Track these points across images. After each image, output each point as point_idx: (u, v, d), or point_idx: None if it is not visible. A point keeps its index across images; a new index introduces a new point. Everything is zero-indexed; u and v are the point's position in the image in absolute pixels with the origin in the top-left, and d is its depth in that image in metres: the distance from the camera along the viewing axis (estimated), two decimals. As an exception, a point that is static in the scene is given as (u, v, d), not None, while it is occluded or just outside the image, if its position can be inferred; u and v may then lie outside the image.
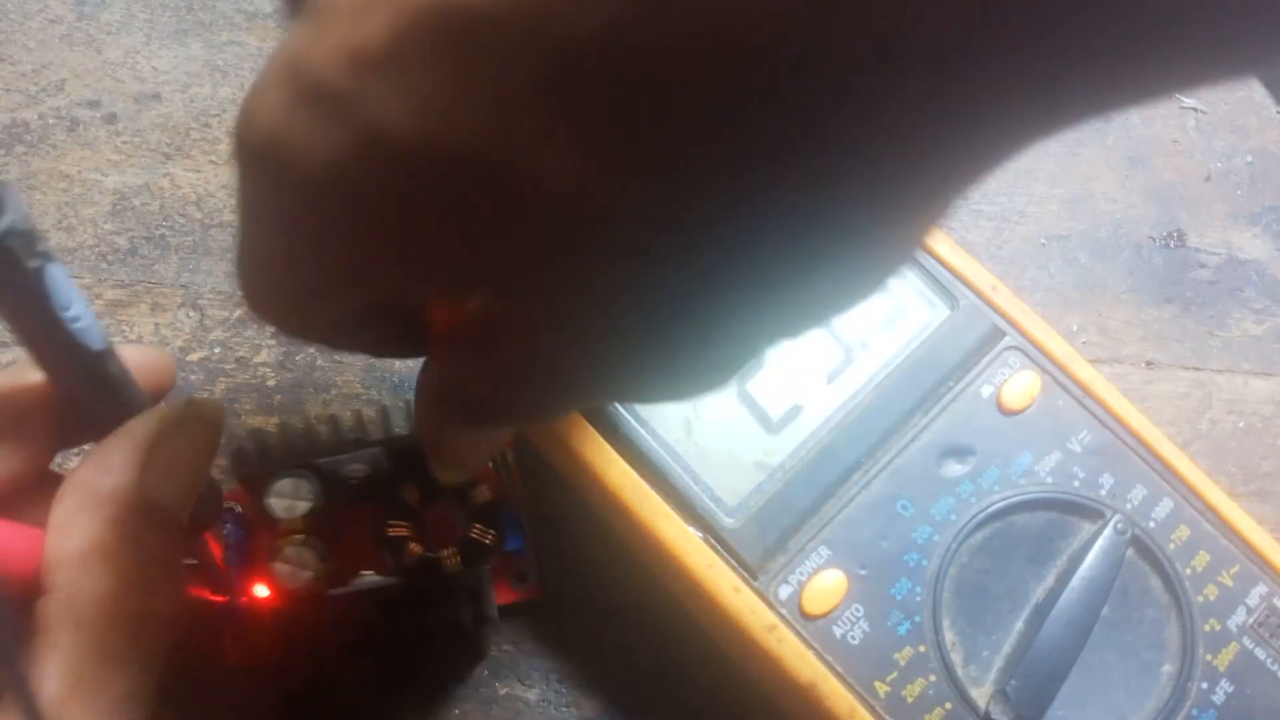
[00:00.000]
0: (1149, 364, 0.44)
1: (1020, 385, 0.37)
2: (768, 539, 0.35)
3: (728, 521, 0.35)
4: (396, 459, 0.35)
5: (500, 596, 0.38)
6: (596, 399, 0.27)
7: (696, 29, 0.15)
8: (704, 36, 0.15)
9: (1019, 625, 0.35)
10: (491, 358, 0.23)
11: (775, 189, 0.17)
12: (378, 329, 0.25)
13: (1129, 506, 0.36)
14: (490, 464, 0.38)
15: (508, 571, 0.37)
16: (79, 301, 0.22)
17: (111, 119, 0.46)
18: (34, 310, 0.22)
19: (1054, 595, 0.35)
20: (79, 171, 0.45)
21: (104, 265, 0.44)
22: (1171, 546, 0.36)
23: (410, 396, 0.39)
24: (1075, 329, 0.44)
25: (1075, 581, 0.35)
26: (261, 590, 0.34)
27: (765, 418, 0.36)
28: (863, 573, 0.35)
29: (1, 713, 0.22)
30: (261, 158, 0.19)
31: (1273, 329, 0.45)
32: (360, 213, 0.19)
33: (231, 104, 0.46)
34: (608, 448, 0.35)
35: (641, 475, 0.35)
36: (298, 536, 0.34)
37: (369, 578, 0.34)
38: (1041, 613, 0.35)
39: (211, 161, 0.45)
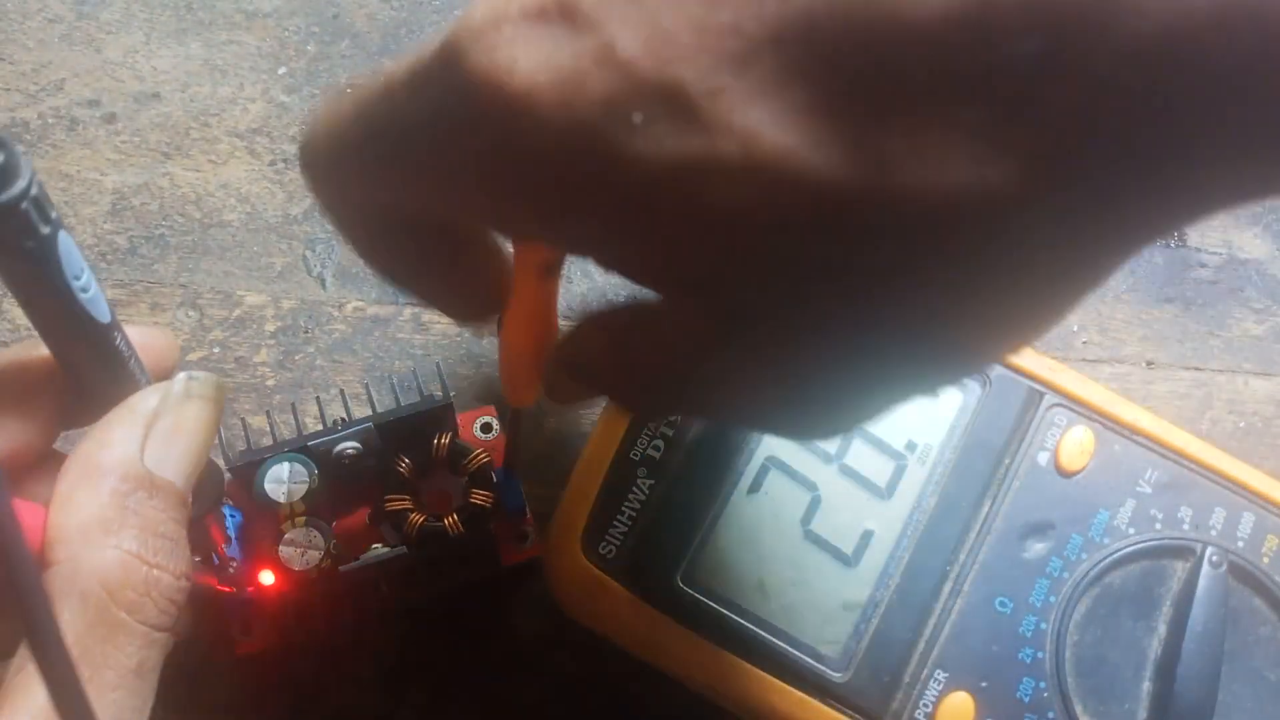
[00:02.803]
0: (1149, 364, 0.44)
1: (1075, 443, 0.36)
2: (882, 680, 0.34)
3: (837, 676, 0.34)
4: (387, 434, 0.35)
5: (504, 559, 0.38)
6: (715, 410, 0.27)
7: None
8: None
9: (1146, 686, 0.34)
10: (632, 341, 0.23)
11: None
12: (419, 244, 0.26)
13: (1214, 533, 0.36)
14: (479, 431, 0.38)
15: (509, 534, 0.37)
16: (88, 272, 0.22)
17: (111, 118, 0.46)
18: (44, 278, 0.21)
19: (1172, 647, 0.34)
20: (78, 171, 0.45)
21: (103, 265, 0.43)
22: (1266, 560, 0.35)
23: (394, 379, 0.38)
24: (1075, 329, 0.44)
25: (1190, 630, 0.34)
26: (267, 578, 0.33)
27: (839, 553, 0.35)
28: (984, 685, 0.34)
29: (2, 713, 0.22)
30: (484, 59, 0.19)
31: (1273, 329, 0.45)
32: (563, 138, 0.19)
33: (230, 103, 0.46)
34: (693, 635, 0.34)
35: (736, 654, 0.34)
36: (299, 519, 0.33)
37: (378, 550, 0.34)
38: (1165, 667, 0.34)
39: (211, 161, 0.45)
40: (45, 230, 0.20)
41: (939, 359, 0.21)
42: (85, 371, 0.25)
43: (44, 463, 0.27)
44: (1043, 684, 0.34)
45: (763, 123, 0.17)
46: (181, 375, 0.26)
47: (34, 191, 0.20)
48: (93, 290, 0.23)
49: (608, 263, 0.21)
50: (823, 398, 0.22)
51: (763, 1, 0.17)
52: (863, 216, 0.18)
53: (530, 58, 0.18)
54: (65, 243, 0.21)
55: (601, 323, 0.25)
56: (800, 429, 0.25)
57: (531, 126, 0.19)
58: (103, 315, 0.23)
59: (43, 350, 0.25)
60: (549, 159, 0.19)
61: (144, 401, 0.25)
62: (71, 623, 0.22)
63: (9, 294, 0.41)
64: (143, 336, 0.26)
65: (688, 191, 0.18)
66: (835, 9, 0.17)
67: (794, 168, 0.17)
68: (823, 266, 0.19)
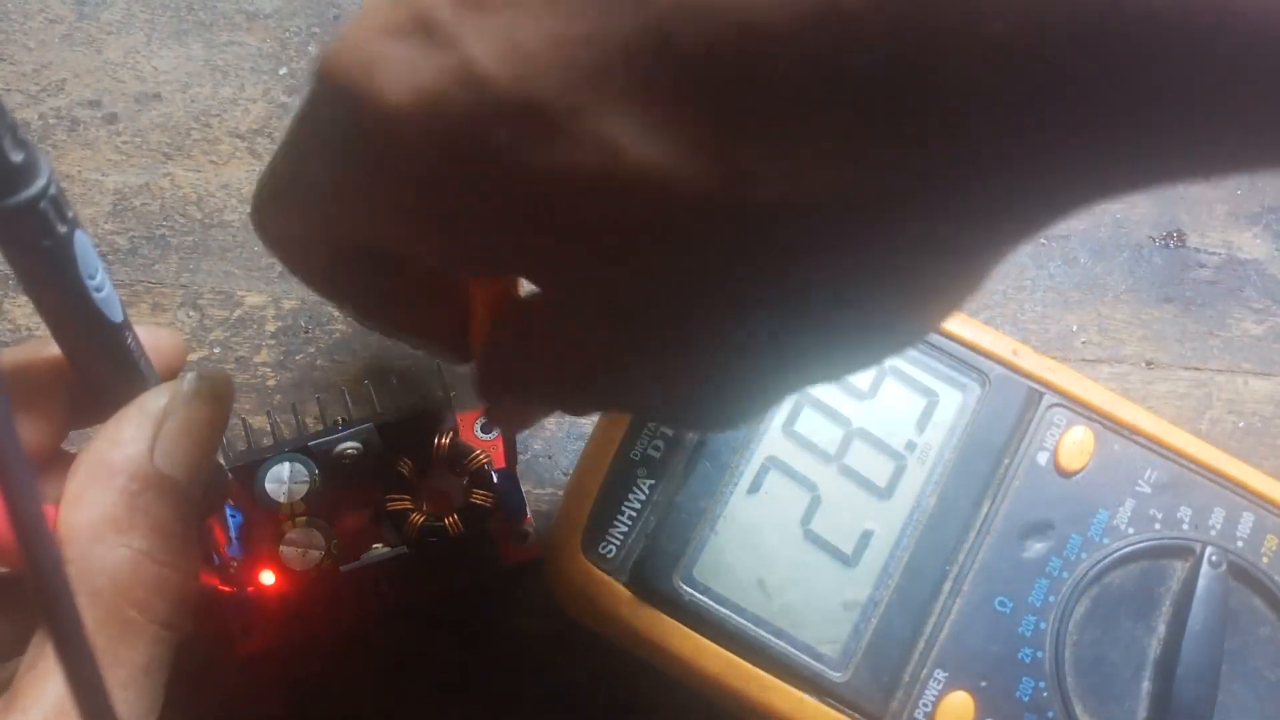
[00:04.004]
0: (1149, 364, 0.44)
1: (1074, 443, 0.36)
2: (882, 680, 0.34)
3: (837, 676, 0.34)
4: (387, 434, 0.35)
5: (504, 559, 0.38)
6: (628, 405, 0.27)
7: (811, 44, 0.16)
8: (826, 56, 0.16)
9: (1146, 685, 0.34)
10: (534, 341, 0.23)
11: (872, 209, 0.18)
12: (371, 278, 0.26)
13: (1213, 533, 0.36)
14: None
15: (508, 534, 0.37)
16: (102, 271, 0.22)
17: (111, 119, 0.46)
18: (60, 277, 0.21)
19: (1171, 647, 0.34)
20: (79, 171, 0.45)
21: (104, 265, 0.43)
22: (1265, 560, 0.35)
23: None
24: (1075, 329, 0.45)
25: (1190, 630, 0.34)
26: (268, 578, 0.33)
27: (839, 553, 0.35)
28: (984, 685, 0.34)
29: (14, 710, 0.22)
30: (351, 77, 0.19)
31: (1273, 329, 0.45)
32: (429, 152, 0.19)
33: (231, 104, 0.46)
34: (694, 635, 0.34)
35: (736, 654, 0.34)
36: (299, 519, 0.34)
37: (378, 550, 0.34)
38: (1165, 667, 0.34)
39: (212, 161, 0.45)
40: (62, 229, 0.21)
41: (815, 357, 0.22)
42: (96, 370, 0.25)
43: (54, 461, 0.27)
44: (1042, 684, 0.34)
45: (624, 135, 0.17)
46: (190, 374, 0.26)
47: (53, 191, 0.20)
48: (106, 289, 0.23)
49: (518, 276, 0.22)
50: (715, 392, 0.23)
51: (618, 13, 0.17)
52: (727, 226, 0.18)
53: (394, 77, 0.18)
54: (81, 241, 0.21)
55: (513, 330, 0.25)
56: (704, 422, 0.26)
57: (401, 145, 0.19)
58: (115, 314, 0.23)
59: (52, 349, 0.25)
60: (423, 176, 0.19)
61: (153, 400, 0.25)
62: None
63: (11, 293, 0.41)
64: (151, 336, 0.26)
65: (559, 205, 0.19)
66: (688, 19, 0.16)
67: (656, 180, 0.18)
68: (692, 271, 0.19)
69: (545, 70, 0.17)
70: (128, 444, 0.24)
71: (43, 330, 0.24)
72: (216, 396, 0.26)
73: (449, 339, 0.29)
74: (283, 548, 0.33)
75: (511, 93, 0.17)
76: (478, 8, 0.18)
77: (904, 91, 0.16)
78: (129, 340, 0.24)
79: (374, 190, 0.20)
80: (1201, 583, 0.35)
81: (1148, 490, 0.36)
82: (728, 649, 0.34)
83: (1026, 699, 0.34)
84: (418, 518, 0.34)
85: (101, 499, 0.24)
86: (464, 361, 0.29)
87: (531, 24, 0.17)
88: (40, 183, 0.19)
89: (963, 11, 0.15)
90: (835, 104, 0.17)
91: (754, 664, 0.34)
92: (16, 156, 0.19)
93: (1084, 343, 0.44)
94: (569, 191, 0.18)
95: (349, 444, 0.35)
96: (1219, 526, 0.36)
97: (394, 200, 0.20)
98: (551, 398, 0.26)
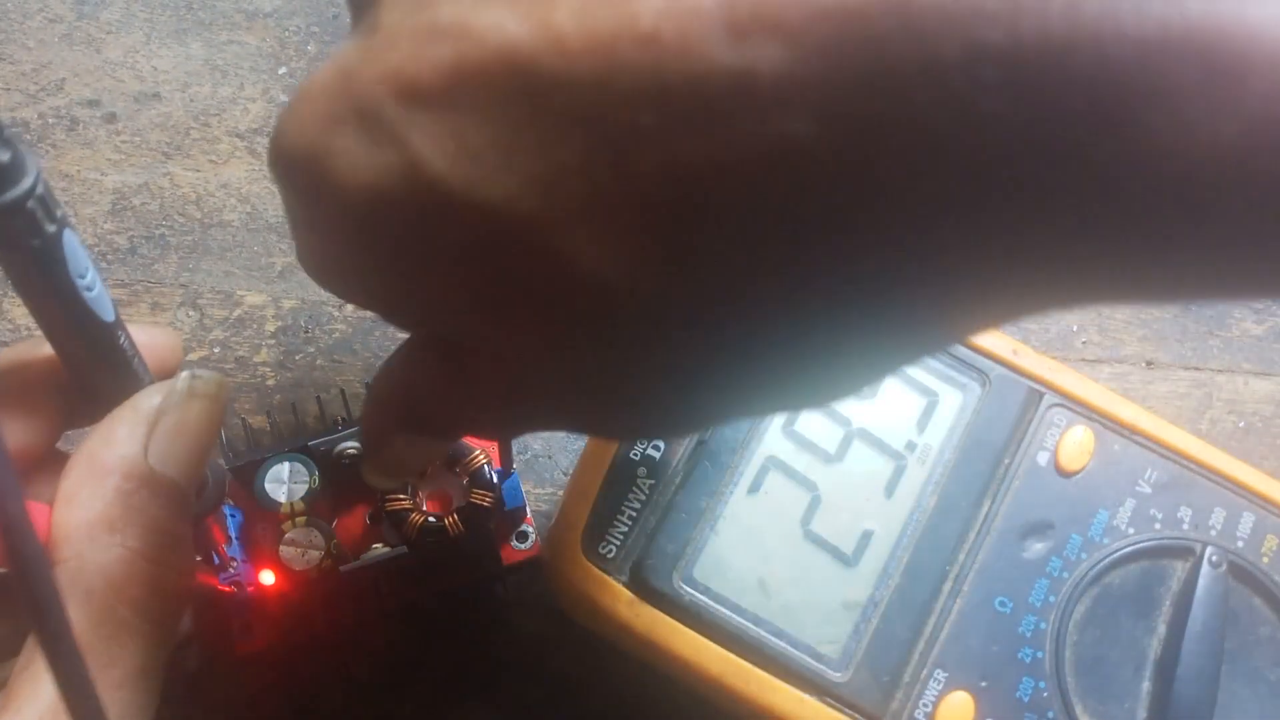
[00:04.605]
0: (1149, 364, 0.44)
1: (1074, 443, 0.36)
2: (882, 680, 0.34)
3: (837, 676, 0.34)
4: None
5: (504, 559, 0.38)
6: (562, 429, 0.27)
7: (763, 153, 0.16)
8: (771, 159, 0.16)
9: (1146, 686, 0.34)
10: (471, 380, 0.23)
11: (786, 298, 0.18)
12: None
13: (1214, 533, 0.35)
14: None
15: (509, 534, 0.37)
16: (92, 270, 0.22)
17: (111, 118, 0.46)
18: (49, 276, 0.21)
19: (1172, 647, 0.34)
20: (79, 171, 0.45)
21: (104, 265, 0.43)
22: (1265, 560, 0.35)
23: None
24: (1075, 329, 0.45)
25: (1190, 630, 0.34)
26: (268, 578, 0.33)
27: (839, 553, 0.35)
28: (984, 685, 0.34)
29: (8, 709, 0.22)
30: (296, 165, 0.19)
31: (1273, 329, 0.45)
32: (379, 239, 0.19)
33: (231, 103, 0.46)
34: (694, 635, 0.34)
35: (736, 654, 0.34)
36: (299, 519, 0.34)
37: (378, 550, 0.34)
38: (1165, 667, 0.34)
39: (211, 161, 0.45)
40: (51, 229, 0.21)
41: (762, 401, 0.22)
42: (89, 370, 0.25)
43: (47, 462, 0.27)
44: (1042, 684, 0.34)
45: (573, 246, 0.17)
46: (184, 374, 0.26)
47: (39, 190, 0.20)
48: (97, 289, 0.23)
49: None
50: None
51: (567, 126, 0.16)
52: (668, 321, 0.18)
53: (341, 170, 0.18)
54: (70, 241, 0.21)
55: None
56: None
57: (352, 229, 0.19)
58: (107, 314, 0.23)
59: (46, 349, 0.25)
60: (371, 256, 0.20)
61: (147, 400, 0.25)
62: (76, 621, 0.22)
63: (11, 293, 0.41)
64: (147, 336, 0.26)
65: (503, 294, 0.19)
66: (643, 143, 0.16)
67: (603, 286, 0.18)
68: (635, 344, 0.19)
69: (495, 176, 0.17)
70: (121, 443, 0.24)
71: (40, 331, 0.24)
72: (211, 395, 0.26)
73: None
74: (283, 548, 0.33)
75: (462, 196, 0.17)
76: (423, 105, 0.17)
77: (854, 229, 0.16)
78: (122, 340, 0.24)
79: (345, 260, 0.21)
80: (1201, 583, 0.35)
81: (1148, 490, 0.36)
82: (728, 649, 0.34)
83: (1027, 699, 0.34)
84: (417, 518, 0.34)
85: (95, 498, 0.24)
86: None
87: (479, 126, 0.17)
88: (27, 182, 0.19)
89: (910, 162, 0.15)
90: (784, 239, 0.17)
91: (754, 664, 0.34)
92: (3, 156, 0.19)
93: (1084, 343, 0.44)
94: (515, 287, 0.18)
95: (349, 444, 0.35)
96: (1219, 526, 0.36)
97: (353, 260, 0.21)
98: (467, 426, 0.26)
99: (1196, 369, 0.44)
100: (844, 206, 0.16)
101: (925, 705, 0.34)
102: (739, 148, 0.16)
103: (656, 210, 0.17)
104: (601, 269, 0.17)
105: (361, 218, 0.19)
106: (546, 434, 0.42)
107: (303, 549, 0.34)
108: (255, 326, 0.43)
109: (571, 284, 0.18)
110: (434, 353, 0.23)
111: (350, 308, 0.43)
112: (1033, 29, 0.14)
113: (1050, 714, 0.34)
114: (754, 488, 0.35)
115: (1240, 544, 0.35)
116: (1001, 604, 0.34)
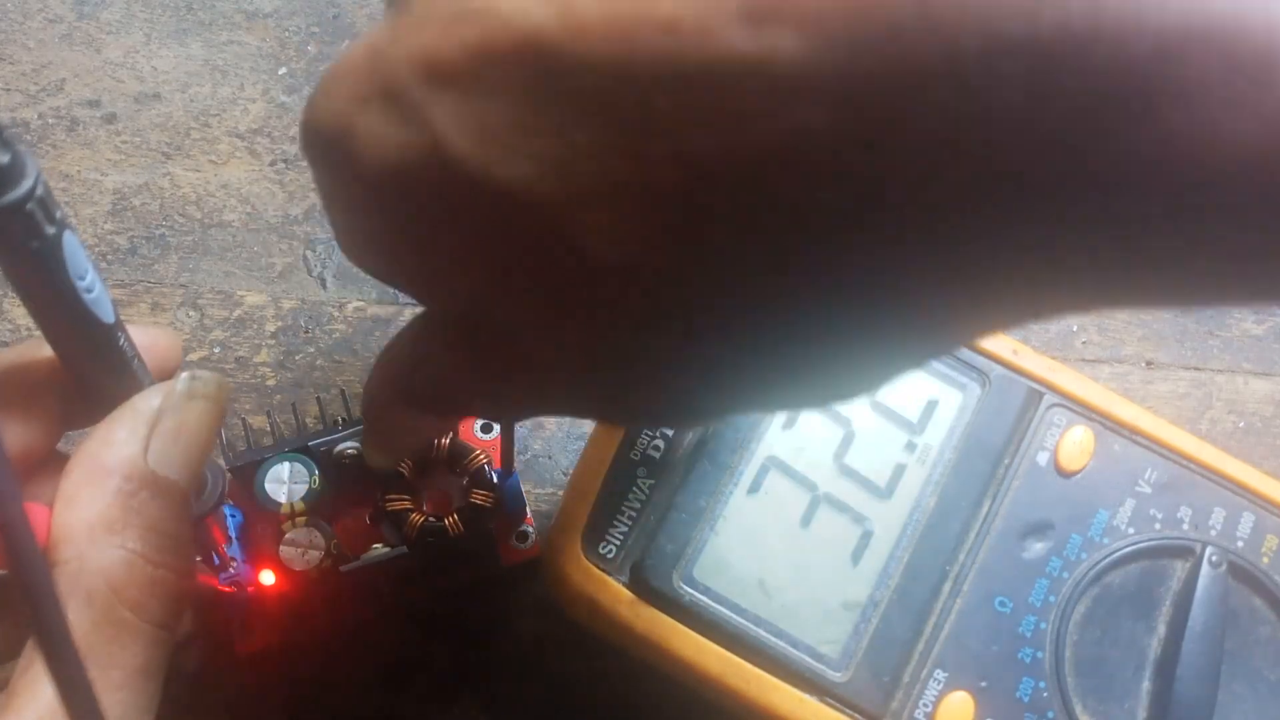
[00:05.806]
0: (1149, 364, 0.44)
1: (1074, 443, 0.36)
2: (882, 680, 0.34)
3: (837, 676, 0.34)
4: None
5: (504, 559, 0.38)
6: (567, 413, 0.27)
7: (776, 149, 0.16)
8: (782, 158, 0.16)
9: (1146, 685, 0.34)
10: (481, 357, 0.23)
11: (795, 294, 0.18)
12: None
13: (1214, 533, 0.35)
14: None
15: (508, 534, 0.37)
16: (92, 272, 0.22)
17: (111, 119, 0.46)
18: (49, 278, 0.21)
19: (1172, 647, 0.34)
20: (79, 171, 0.45)
21: (104, 265, 0.43)
22: (1265, 560, 0.35)
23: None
24: (1075, 328, 0.45)
25: (1190, 630, 0.34)
26: (268, 578, 0.33)
27: (839, 553, 0.35)
28: (984, 685, 0.34)
29: (9, 710, 0.22)
30: (325, 142, 0.20)
31: (1273, 329, 0.45)
32: (402, 216, 0.19)
33: (231, 103, 0.46)
34: (694, 635, 0.34)
35: (736, 654, 0.34)
36: (299, 519, 0.34)
37: (378, 550, 0.34)
38: (1165, 667, 0.34)
39: (211, 161, 0.45)
40: (50, 231, 0.21)
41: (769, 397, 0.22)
42: (88, 372, 0.25)
43: (47, 463, 0.27)
44: (1042, 684, 0.34)
45: (588, 233, 0.18)
46: (184, 374, 0.26)
47: (39, 192, 0.20)
48: (97, 290, 0.23)
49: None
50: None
51: (586, 112, 0.17)
52: (682, 303, 0.18)
53: (367, 146, 0.19)
54: (70, 243, 0.21)
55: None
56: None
57: (376, 202, 0.20)
58: (107, 315, 0.23)
59: (46, 350, 0.25)
60: (394, 226, 0.20)
61: (147, 401, 0.25)
62: (77, 622, 0.22)
63: (11, 293, 0.41)
64: (147, 337, 0.26)
65: (518, 269, 0.19)
66: (663, 135, 0.16)
67: (617, 270, 0.18)
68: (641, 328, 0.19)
69: (513, 157, 0.17)
70: (121, 444, 0.24)
71: (40, 332, 0.24)
72: (211, 397, 0.26)
73: None
74: (283, 548, 0.34)
75: (481, 175, 0.17)
76: (447, 84, 0.17)
77: (866, 221, 0.16)
78: (121, 341, 0.24)
79: (372, 234, 0.21)
80: (1201, 583, 0.35)
81: (1148, 490, 0.36)
82: (728, 649, 0.34)
83: (1027, 699, 0.34)
84: (417, 518, 0.34)
85: (95, 500, 0.24)
86: None
87: (500, 108, 0.17)
88: (27, 184, 0.19)
89: (925, 153, 0.15)
90: (796, 230, 0.17)
91: (754, 664, 0.34)
92: (3, 158, 0.19)
93: (1084, 342, 0.44)
94: (528, 266, 0.19)
95: (349, 444, 0.35)
96: (1219, 526, 0.36)
97: (378, 234, 0.21)
98: (476, 406, 0.26)
99: (1196, 369, 0.44)
100: (857, 198, 0.16)
101: (925, 705, 0.34)
102: (753, 136, 0.16)
103: (668, 196, 0.17)
104: (612, 252, 0.18)
105: (385, 194, 0.19)
106: (546, 434, 0.42)
107: (303, 549, 0.34)
108: (255, 327, 0.43)
109: (583, 266, 0.18)
110: (448, 329, 0.23)
111: (350, 307, 0.43)
112: (1053, 21, 0.14)
113: (1050, 714, 0.34)
114: (754, 488, 0.35)
115: (1240, 544, 0.35)
116: (1001, 604, 0.34)
